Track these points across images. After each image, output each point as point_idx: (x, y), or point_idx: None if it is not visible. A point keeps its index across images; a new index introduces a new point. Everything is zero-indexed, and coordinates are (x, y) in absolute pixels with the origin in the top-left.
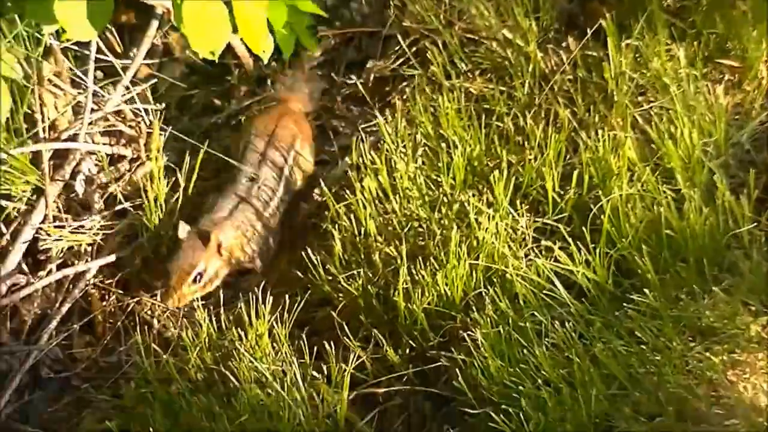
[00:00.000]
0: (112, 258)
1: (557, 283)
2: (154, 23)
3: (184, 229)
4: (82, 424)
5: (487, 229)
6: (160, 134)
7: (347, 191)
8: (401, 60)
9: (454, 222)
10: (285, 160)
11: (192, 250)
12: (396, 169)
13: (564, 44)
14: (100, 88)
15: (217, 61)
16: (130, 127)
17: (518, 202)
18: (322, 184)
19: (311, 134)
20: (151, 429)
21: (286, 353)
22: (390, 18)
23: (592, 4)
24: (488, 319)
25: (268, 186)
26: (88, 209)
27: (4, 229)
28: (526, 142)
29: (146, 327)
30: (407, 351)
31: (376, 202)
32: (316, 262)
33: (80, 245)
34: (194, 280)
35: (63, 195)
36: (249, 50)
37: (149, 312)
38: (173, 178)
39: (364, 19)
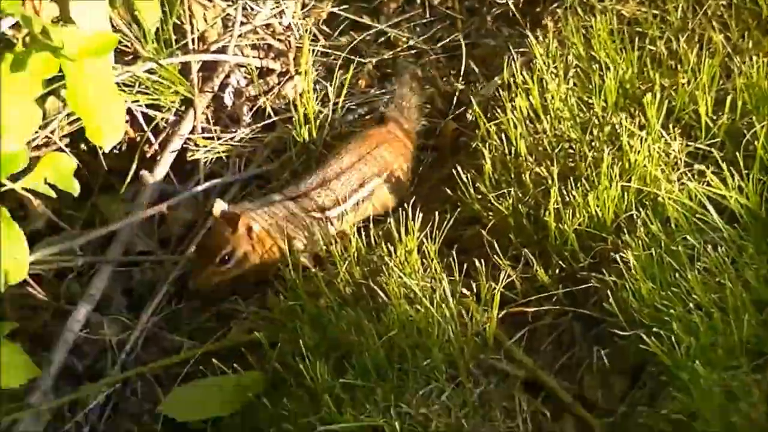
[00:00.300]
0: (259, 170)
1: (709, 207)
2: None
3: (219, 207)
4: (228, 334)
5: (639, 151)
6: (309, 49)
7: (498, 110)
8: None
9: (606, 144)
10: (361, 187)
11: (222, 231)
12: (547, 90)
13: None
14: (250, 1)
15: None
16: (279, 41)
17: (671, 125)
18: (473, 102)
19: (406, 164)
20: (300, 342)
21: (435, 270)
22: None
23: None
24: (640, 242)
25: (330, 198)
26: (236, 121)
27: (153, 139)
28: (679, 66)
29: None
30: (557, 271)
31: (527, 122)
32: (466, 180)
33: (228, 157)
34: (222, 261)
35: (211, 106)
36: None
37: None
38: (323, 93)
39: None
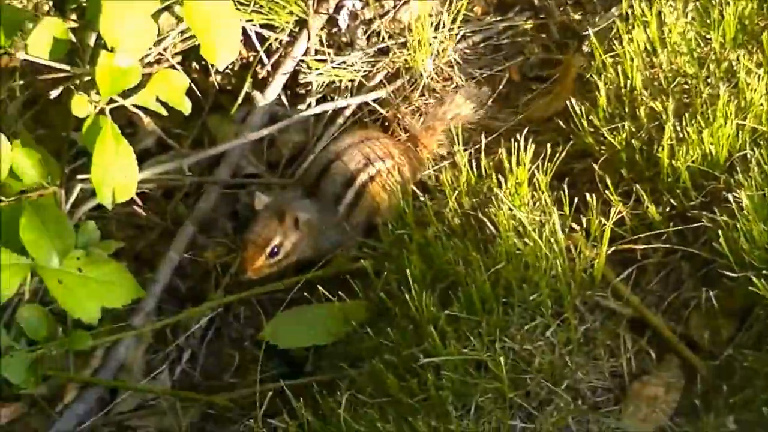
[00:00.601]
0: (372, 96)
1: None
2: None
3: (261, 201)
4: (334, 262)
5: (755, 89)
6: None
7: (614, 42)
8: None
9: (722, 80)
10: (348, 186)
11: (268, 223)
12: (665, 23)
13: None
14: None
15: None
16: None
17: None
18: (590, 33)
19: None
20: (407, 271)
21: (545, 203)
22: None
23: None
24: (752, 182)
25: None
26: (349, 45)
27: (265, 60)
28: None
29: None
30: (668, 209)
31: (643, 55)
32: (579, 112)
33: (340, 81)
34: (271, 254)
35: (326, 29)
36: None
37: None
38: (438, 18)
39: None
